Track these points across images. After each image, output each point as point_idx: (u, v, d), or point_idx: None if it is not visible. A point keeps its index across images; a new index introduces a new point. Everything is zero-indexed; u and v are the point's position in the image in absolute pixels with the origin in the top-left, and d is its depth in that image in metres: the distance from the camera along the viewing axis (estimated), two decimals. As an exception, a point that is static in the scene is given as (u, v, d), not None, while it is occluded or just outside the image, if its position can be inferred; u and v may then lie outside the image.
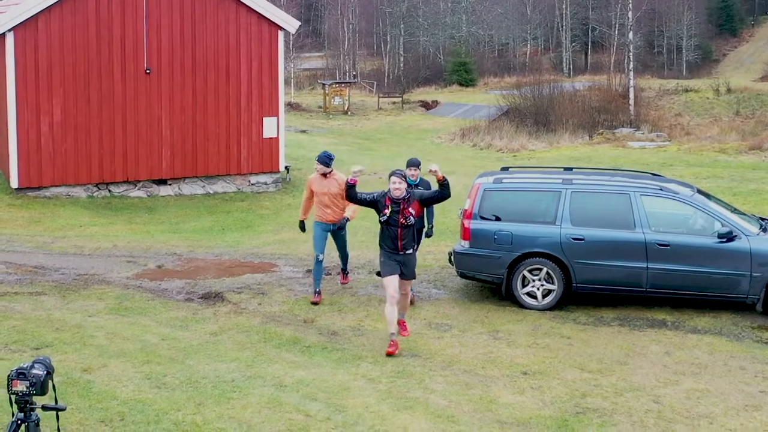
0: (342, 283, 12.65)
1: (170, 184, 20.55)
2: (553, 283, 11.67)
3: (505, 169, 13.19)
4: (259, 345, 10.11)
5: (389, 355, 9.73)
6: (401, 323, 10.39)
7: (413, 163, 11.89)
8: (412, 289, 10.71)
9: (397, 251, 9.90)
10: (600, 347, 10.29)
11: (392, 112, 40.51)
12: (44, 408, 4.85)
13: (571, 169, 13.03)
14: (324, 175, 11.73)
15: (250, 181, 21.43)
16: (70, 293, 12.08)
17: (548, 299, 11.74)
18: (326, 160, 11.78)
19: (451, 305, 11.89)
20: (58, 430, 4.93)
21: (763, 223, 12.31)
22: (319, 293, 11.85)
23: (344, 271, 12.73)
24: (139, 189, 20.20)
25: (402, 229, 9.83)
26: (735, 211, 12.37)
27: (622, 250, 11.66)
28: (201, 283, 12.87)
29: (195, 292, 12.36)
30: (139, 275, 13.32)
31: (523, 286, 11.80)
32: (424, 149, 29.91)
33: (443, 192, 9.96)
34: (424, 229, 12.04)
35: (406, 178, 10.14)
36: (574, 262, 11.68)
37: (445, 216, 17.50)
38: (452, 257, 12.33)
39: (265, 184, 21.56)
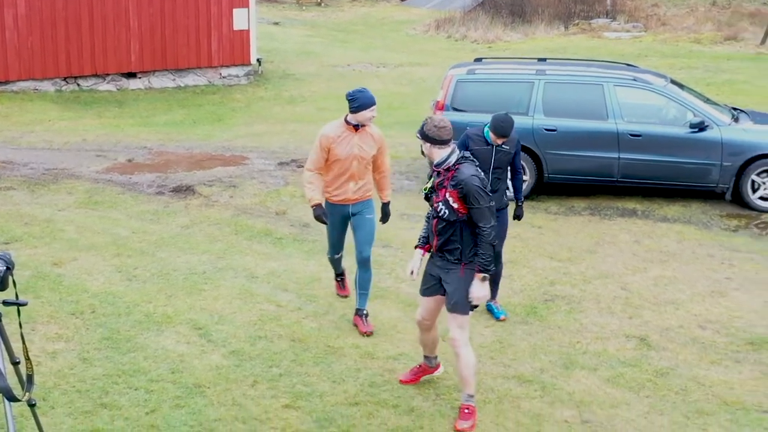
0: (363, 333, 7.66)
1: (140, 78, 20.17)
2: (525, 174, 11.68)
3: (478, 60, 13.02)
4: (230, 237, 10.10)
5: (404, 382, 6.83)
6: (463, 411, 6.31)
7: (507, 132, 7.66)
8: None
9: (433, 250, 6.42)
10: (570, 236, 10.37)
11: (366, 3, 39.77)
12: (5, 303, 4.81)
13: (544, 59, 12.88)
14: (355, 128, 7.45)
15: (221, 74, 21.08)
16: (39, 188, 11.96)
17: (521, 189, 11.75)
18: (370, 101, 7.32)
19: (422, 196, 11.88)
20: (20, 325, 4.90)
21: (735, 113, 12.30)
22: (342, 281, 8.43)
23: (361, 313, 7.82)
24: (108, 83, 19.81)
25: (437, 218, 6.24)
26: (708, 101, 12.34)
27: (595, 140, 11.64)
28: (172, 176, 12.77)
29: (166, 185, 12.26)
30: (109, 169, 13.18)
31: (496, 176, 11.78)
32: (399, 41, 29.47)
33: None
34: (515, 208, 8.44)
35: (422, 135, 6.18)
36: (547, 153, 11.66)
37: (418, 107, 17.38)
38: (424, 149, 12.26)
39: (237, 77, 21.21)
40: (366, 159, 7.50)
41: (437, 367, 6.89)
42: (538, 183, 11.71)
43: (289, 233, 10.29)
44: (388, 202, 7.88)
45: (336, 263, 8.27)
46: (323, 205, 7.55)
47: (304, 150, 14.05)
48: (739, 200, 11.47)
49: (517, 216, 8.32)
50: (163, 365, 6.97)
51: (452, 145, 6.17)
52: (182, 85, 20.49)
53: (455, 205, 6.07)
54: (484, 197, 6.04)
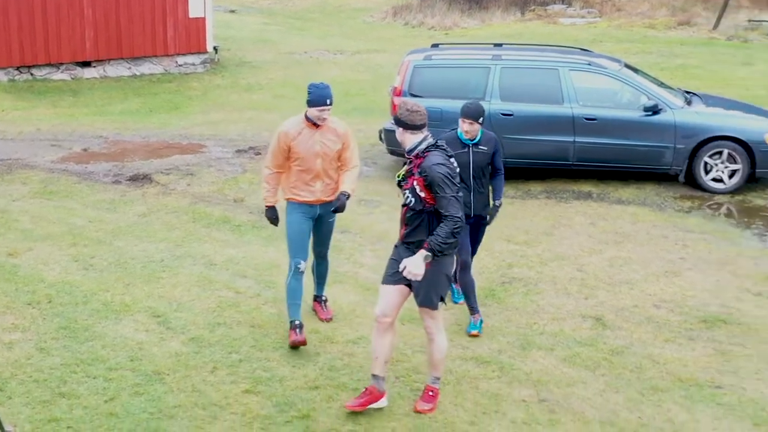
0: (323, 319, 7.67)
1: (95, 67, 19.93)
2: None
3: (435, 46, 13.06)
4: (188, 225, 10.07)
5: (350, 408, 6.19)
6: (427, 393, 6.36)
7: (470, 114, 7.31)
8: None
9: (400, 240, 6.21)
10: (527, 219, 10.47)
11: (323, -9, 39.66)
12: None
13: (500, 45, 12.96)
14: (315, 124, 7.06)
15: (177, 62, 20.90)
16: (-8, 178, 11.81)
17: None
18: (321, 99, 6.94)
19: (381, 182, 11.92)
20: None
21: (688, 96, 12.48)
22: (300, 328, 7.14)
23: (320, 299, 7.84)
24: (62, 72, 19.56)
25: (406, 207, 6.08)
26: (661, 85, 12.49)
27: (550, 124, 11.75)
28: (128, 165, 12.67)
29: (122, 174, 12.17)
30: (64, 159, 13.04)
31: (453, 161, 11.85)
32: (356, 28, 29.43)
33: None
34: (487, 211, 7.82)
35: (397, 121, 6.03)
36: (503, 138, 11.69)
37: (376, 94, 17.40)
38: (382, 134, 12.32)
39: (193, 65, 21.05)
40: (330, 155, 7.07)
41: (383, 394, 6.24)
42: (495, 167, 11.79)
43: (247, 220, 10.27)
44: (346, 194, 7.20)
45: (295, 290, 7.21)
46: (285, 205, 7.26)
47: (262, 137, 14.04)
48: (692, 182, 11.65)
49: (490, 216, 7.75)
50: (121, 353, 6.94)
51: (426, 132, 5.98)
52: (138, 73, 20.29)
53: (422, 194, 5.90)
54: (451, 186, 5.84)
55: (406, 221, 6.08)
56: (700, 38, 24.71)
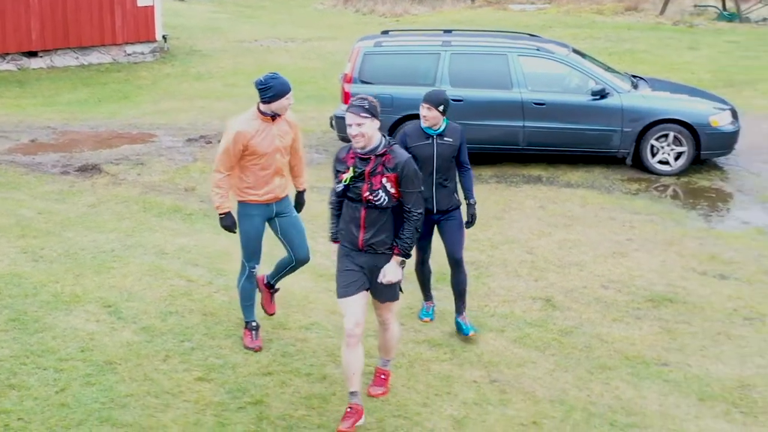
0: (269, 314, 7.37)
1: (41, 57, 19.66)
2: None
3: (385, 32, 13.09)
4: (138, 215, 10.01)
5: None
6: (378, 376, 6.39)
7: (429, 98, 6.91)
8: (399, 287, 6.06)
9: (356, 246, 5.83)
10: (478, 204, 10.52)
11: (274, -21, 39.44)
12: None
13: (450, 31, 13.03)
14: (272, 118, 6.61)
15: (126, 52, 20.68)
16: (-63, 170, 11.62)
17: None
18: (286, 87, 6.54)
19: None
20: None
21: (635, 80, 12.66)
22: (256, 330, 7.03)
23: (271, 287, 7.36)
24: (8, 62, 19.26)
25: (367, 209, 5.75)
26: (609, 69, 12.65)
27: (500, 109, 11.86)
28: (77, 155, 12.54)
29: (71, 164, 12.05)
30: (11, 150, 12.87)
31: (404, 147, 11.91)
32: (307, 16, 29.35)
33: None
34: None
35: (372, 112, 5.63)
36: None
37: (327, 81, 17.40)
38: (333, 121, 12.33)
39: (142, 54, 20.86)
40: (286, 149, 6.72)
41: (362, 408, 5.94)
42: (446, 153, 11.87)
43: (198, 209, 10.24)
44: (304, 191, 7.14)
45: (248, 291, 7.00)
46: (237, 207, 6.81)
47: (213, 126, 13.99)
48: (640, 165, 11.84)
49: (471, 216, 7.37)
50: (72, 344, 6.90)
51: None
52: (86, 63, 20.05)
53: (392, 191, 5.65)
54: (420, 181, 5.74)
55: (368, 224, 5.71)
56: (647, 23, 25.05)
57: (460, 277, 7.23)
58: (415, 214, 5.72)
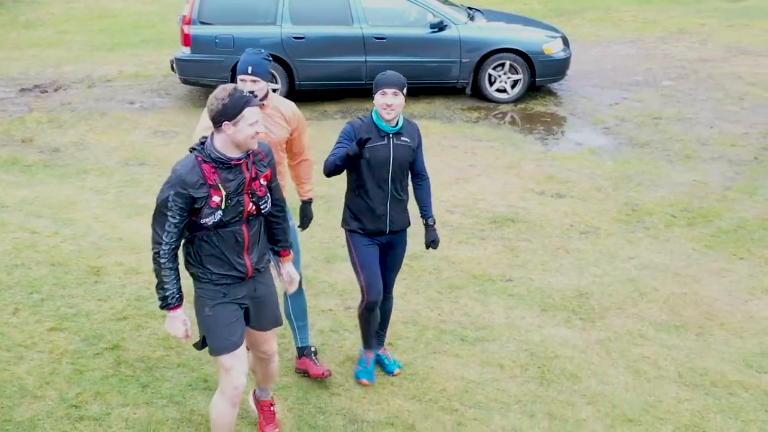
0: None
1: None
2: (276, 83, 11.80)
3: (223, -29, 12.84)
4: (-26, 169, 9.63)
5: None
6: (267, 409, 5.24)
7: (395, 82, 5.25)
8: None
9: (246, 275, 4.53)
10: (324, 139, 10.56)
11: None
12: None
13: (288, -33, 12.91)
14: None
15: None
16: None
17: (273, 99, 11.87)
18: (243, 65, 5.18)
19: (176, 113, 11.78)
20: None
21: (471, 12, 12.97)
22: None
23: (304, 350, 5.96)
24: None
25: (248, 225, 4.48)
26: (446, 2, 12.89)
27: (342, 45, 11.94)
28: None
29: None
30: None
31: (248, 87, 11.82)
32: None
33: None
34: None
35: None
36: (296, 61, 11.84)
37: (165, 25, 16.98)
38: (174, 64, 12.10)
39: (-36, 3, 19.74)
40: (274, 143, 5.29)
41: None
42: (290, 91, 11.88)
43: (38, 159, 9.93)
44: (310, 200, 5.90)
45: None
46: None
47: (47, 74, 13.50)
48: (479, 94, 12.21)
49: (432, 241, 5.73)
50: None
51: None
52: None
53: (264, 185, 4.53)
54: None
55: (251, 243, 4.50)
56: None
57: (387, 305, 5.85)
58: (286, 207, 4.83)
